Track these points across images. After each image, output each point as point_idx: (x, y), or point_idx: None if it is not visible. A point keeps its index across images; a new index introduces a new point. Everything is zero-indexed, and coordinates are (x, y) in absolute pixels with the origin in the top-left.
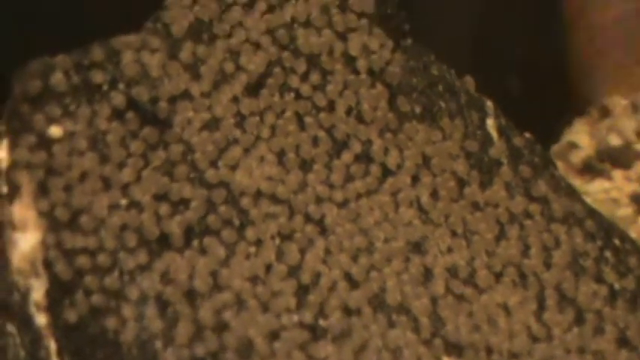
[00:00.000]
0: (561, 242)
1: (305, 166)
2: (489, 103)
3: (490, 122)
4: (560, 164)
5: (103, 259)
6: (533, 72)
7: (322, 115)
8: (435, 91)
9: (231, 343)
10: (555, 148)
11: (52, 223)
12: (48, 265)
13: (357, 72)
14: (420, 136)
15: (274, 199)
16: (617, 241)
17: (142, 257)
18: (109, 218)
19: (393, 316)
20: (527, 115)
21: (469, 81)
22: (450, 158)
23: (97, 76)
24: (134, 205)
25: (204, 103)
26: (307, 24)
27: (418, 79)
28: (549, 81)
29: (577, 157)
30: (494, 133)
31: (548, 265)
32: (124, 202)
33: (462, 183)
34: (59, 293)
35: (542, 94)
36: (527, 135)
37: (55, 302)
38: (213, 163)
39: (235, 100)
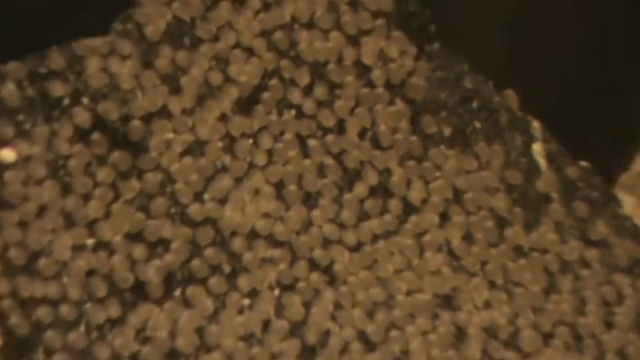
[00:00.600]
0: (625, 296)
1: (309, 200)
2: (536, 124)
3: (537, 147)
4: (628, 199)
5: (66, 311)
6: (590, 87)
7: (330, 137)
8: (468, 108)
9: None
10: (624, 179)
11: (5, 266)
12: (2, 317)
13: (372, 85)
14: (449, 165)
15: (272, 240)
16: None
17: (114, 310)
18: (72, 262)
19: None
20: (584, 139)
21: (511, 96)
22: (487, 192)
23: (57, 88)
24: (103, 246)
25: (185, 123)
26: (311, 25)
27: (447, 94)
28: (613, 97)
29: None
30: (541, 161)
31: (608, 325)
32: (90, 242)
33: (501, 223)
34: (15, 351)
35: (605, 113)
36: (584, 163)
37: None
38: (198, 196)
39: (224, 118)
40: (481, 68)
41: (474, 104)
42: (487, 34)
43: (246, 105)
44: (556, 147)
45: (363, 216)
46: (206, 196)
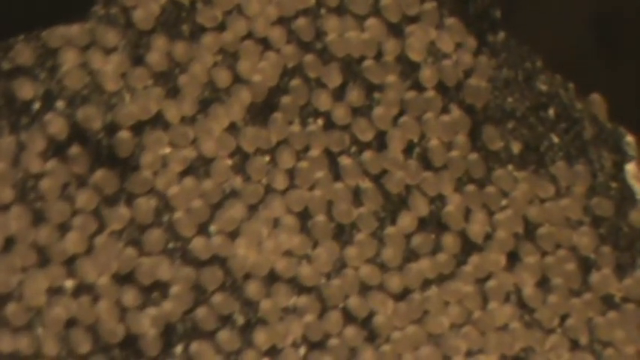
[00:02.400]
0: None
1: (342, 235)
2: (630, 139)
3: (631, 169)
4: None
5: None
6: None
7: (367, 155)
8: (542, 117)
9: None
10: None
11: None
12: None
13: (420, 87)
14: (519, 191)
15: (296, 285)
16: None
17: None
18: (48, 309)
19: None
20: None
21: (598, 102)
22: (568, 226)
23: (24, 89)
24: (85, 289)
25: (185, 134)
26: (342, 10)
27: (516, 99)
28: None
29: None
30: (637, 187)
31: None
32: (69, 284)
33: (586, 265)
34: None
35: None
36: None
37: None
38: (203, 228)
39: (233, 129)
40: (559, 65)
41: (550, 112)
42: (567, 20)
43: (261, 112)
44: None
45: (411, 255)
46: (212, 229)
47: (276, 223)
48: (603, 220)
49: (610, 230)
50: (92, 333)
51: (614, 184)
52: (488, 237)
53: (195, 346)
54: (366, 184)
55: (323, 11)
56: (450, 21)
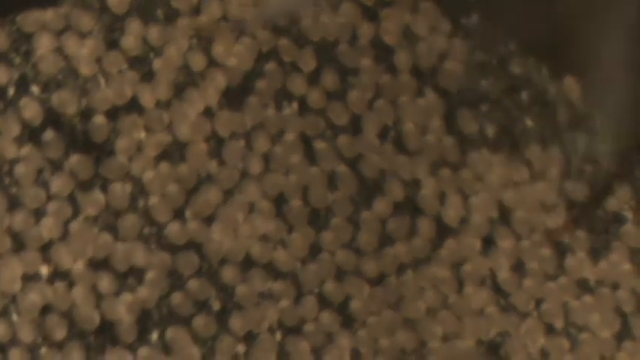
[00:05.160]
0: None
1: (317, 219)
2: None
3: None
4: None
5: (16, 357)
6: None
7: (342, 139)
8: (516, 100)
9: None
10: None
11: None
12: None
13: (394, 71)
14: (494, 174)
15: (272, 270)
16: None
17: (75, 356)
18: (23, 295)
19: None
20: None
21: (571, 85)
22: (543, 209)
23: None
24: (60, 275)
25: (160, 119)
26: None
27: (490, 82)
28: None
29: None
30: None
31: None
32: (45, 270)
33: (561, 249)
34: None
35: None
36: None
37: None
38: (178, 214)
39: (208, 113)
40: (533, 48)
41: (524, 96)
42: (540, 3)
43: (237, 96)
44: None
45: (386, 240)
46: (188, 214)
47: (251, 207)
48: (578, 204)
49: (584, 213)
50: (68, 319)
51: (588, 168)
52: (463, 221)
53: (171, 332)
54: (341, 168)
55: None
56: (425, 4)
